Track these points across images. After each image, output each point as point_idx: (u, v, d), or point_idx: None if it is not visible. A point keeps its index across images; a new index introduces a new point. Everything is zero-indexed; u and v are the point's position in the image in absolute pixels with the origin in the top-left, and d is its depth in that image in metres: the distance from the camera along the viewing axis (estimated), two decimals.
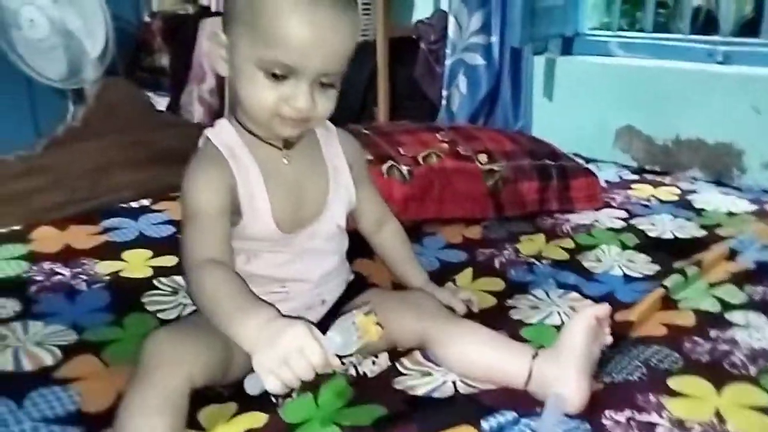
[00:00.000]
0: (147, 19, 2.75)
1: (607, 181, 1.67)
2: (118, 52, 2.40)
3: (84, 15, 2.31)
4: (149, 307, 0.99)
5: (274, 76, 0.71)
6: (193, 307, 0.83)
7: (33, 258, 1.12)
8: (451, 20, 2.03)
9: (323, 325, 0.83)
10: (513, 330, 0.94)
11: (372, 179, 0.98)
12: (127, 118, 1.33)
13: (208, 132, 0.81)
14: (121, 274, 1.08)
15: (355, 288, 0.92)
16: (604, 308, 0.80)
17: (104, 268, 1.10)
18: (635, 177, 1.75)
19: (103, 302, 1.00)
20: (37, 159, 1.25)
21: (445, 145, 1.43)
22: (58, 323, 0.94)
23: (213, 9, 2.43)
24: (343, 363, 0.74)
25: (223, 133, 0.80)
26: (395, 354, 0.87)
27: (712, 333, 0.94)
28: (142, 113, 1.35)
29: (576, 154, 1.91)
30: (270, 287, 0.81)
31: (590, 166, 1.74)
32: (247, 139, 0.79)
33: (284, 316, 0.67)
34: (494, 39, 2.05)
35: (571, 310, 1.01)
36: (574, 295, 1.07)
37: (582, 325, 0.77)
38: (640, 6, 2.25)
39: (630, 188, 1.64)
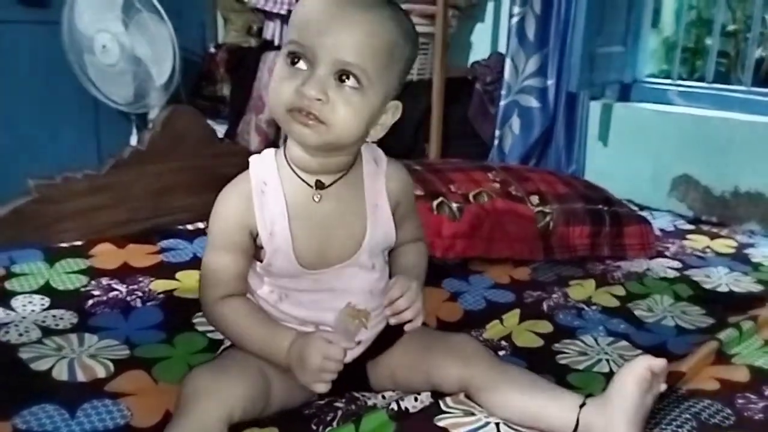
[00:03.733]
0: (212, 50, 2.85)
1: (661, 230, 1.63)
2: (182, 80, 2.51)
3: (154, 44, 2.42)
4: (199, 327, 1.01)
5: (293, 64, 0.71)
6: None
7: (92, 273, 1.16)
8: (508, 62, 2.05)
9: (358, 364, 0.85)
10: (560, 375, 0.92)
11: (417, 210, 0.95)
12: (190, 144, 1.38)
13: (251, 159, 0.81)
14: (175, 293, 1.11)
15: (396, 327, 0.87)
16: (661, 362, 0.77)
17: (158, 286, 1.13)
18: (691, 227, 1.71)
19: (155, 320, 1.03)
20: (102, 178, 1.30)
21: (497, 185, 1.43)
22: (112, 338, 0.96)
23: (276, 43, 2.51)
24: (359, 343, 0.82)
25: (262, 164, 0.80)
26: (438, 393, 0.86)
27: (767, 391, 0.91)
28: (204, 140, 1.40)
29: (630, 201, 1.88)
30: (303, 328, 0.81)
31: (645, 214, 1.72)
32: (283, 172, 0.79)
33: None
34: (550, 82, 2.06)
35: (621, 359, 0.99)
36: (624, 343, 1.04)
37: (635, 375, 0.75)
38: (700, 55, 2.23)
39: (685, 238, 1.60)
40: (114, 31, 2.40)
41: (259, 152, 0.83)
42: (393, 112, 0.79)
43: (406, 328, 0.80)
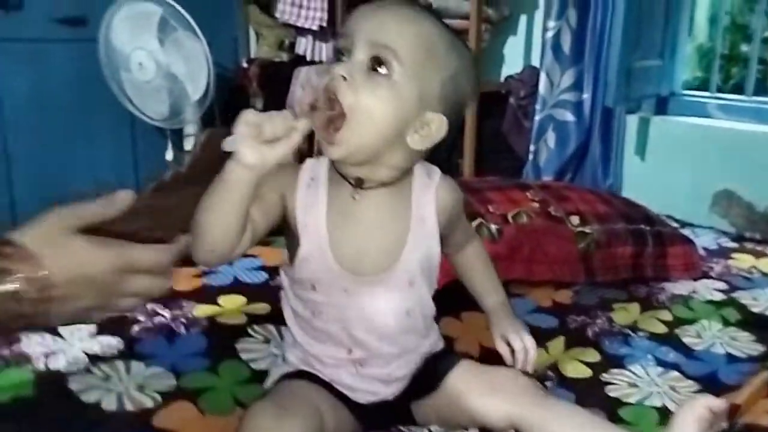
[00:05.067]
0: (244, 64, 2.88)
1: (704, 248, 1.60)
2: (215, 95, 2.53)
3: (188, 61, 2.45)
4: (243, 355, 1.01)
5: (336, 56, 0.73)
6: (283, 364, 0.85)
7: None
8: (543, 76, 2.03)
9: (400, 402, 0.84)
10: (610, 409, 0.90)
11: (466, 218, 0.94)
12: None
13: (309, 159, 0.82)
14: (218, 319, 1.11)
15: (441, 361, 0.87)
16: (721, 403, 0.75)
17: (201, 311, 1.14)
18: (734, 245, 1.67)
19: (199, 347, 1.03)
20: (144, 201, 1.31)
21: (536, 205, 1.41)
22: (158, 365, 0.97)
23: (308, 58, 2.52)
24: None
25: (316, 164, 0.81)
26: (486, 430, 0.84)
27: None
28: None
29: (669, 217, 1.85)
30: (338, 351, 0.81)
31: (686, 232, 1.69)
32: (332, 174, 0.79)
33: None
34: (586, 96, 2.03)
35: (672, 391, 0.96)
36: (675, 374, 1.02)
37: (695, 416, 0.73)
38: (735, 62, 2.17)
39: (730, 257, 1.56)
40: (150, 48, 2.43)
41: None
42: (437, 126, 0.75)
43: (521, 367, 0.86)
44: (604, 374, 1.01)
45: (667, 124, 2.02)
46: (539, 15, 2.19)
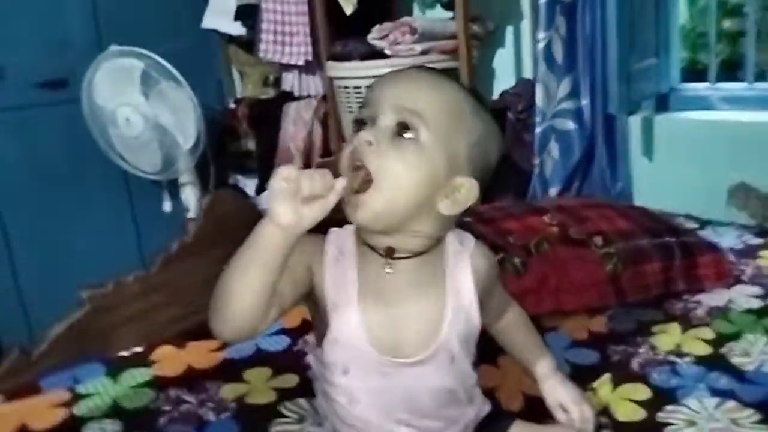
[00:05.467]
0: (231, 105, 2.84)
1: (731, 249, 1.55)
2: (207, 140, 2.49)
3: (176, 110, 2.41)
4: None
5: (357, 126, 0.71)
6: None
7: (158, 384, 1.12)
8: (539, 88, 1.99)
9: None
10: None
11: (502, 284, 0.90)
12: (235, 228, 1.33)
13: (332, 230, 0.77)
14: (246, 399, 1.06)
15: (492, 427, 0.83)
16: None
17: (228, 392, 1.08)
18: (760, 241, 1.62)
19: None
20: (153, 278, 1.27)
21: (555, 229, 1.37)
22: None
23: (296, 93, 2.49)
24: None
25: (340, 235, 0.76)
26: None
27: None
28: (249, 222, 1.35)
29: (687, 216, 1.81)
30: None
31: (708, 231, 1.65)
32: (359, 246, 0.75)
33: None
34: (585, 102, 1.99)
35: (733, 424, 0.92)
36: (732, 404, 0.96)
37: None
38: (718, 39, 2.11)
39: (758, 257, 1.51)
40: (135, 102, 2.39)
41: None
42: (468, 190, 0.71)
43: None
44: (659, 413, 0.96)
45: (670, 121, 1.98)
46: (525, 25, 2.16)
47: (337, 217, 0.70)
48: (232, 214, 1.34)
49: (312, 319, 0.80)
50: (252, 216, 1.44)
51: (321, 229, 0.69)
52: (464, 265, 0.77)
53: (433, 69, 0.76)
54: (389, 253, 0.73)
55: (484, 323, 0.81)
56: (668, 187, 1.94)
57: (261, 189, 2.68)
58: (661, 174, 1.97)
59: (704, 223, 1.75)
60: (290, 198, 0.61)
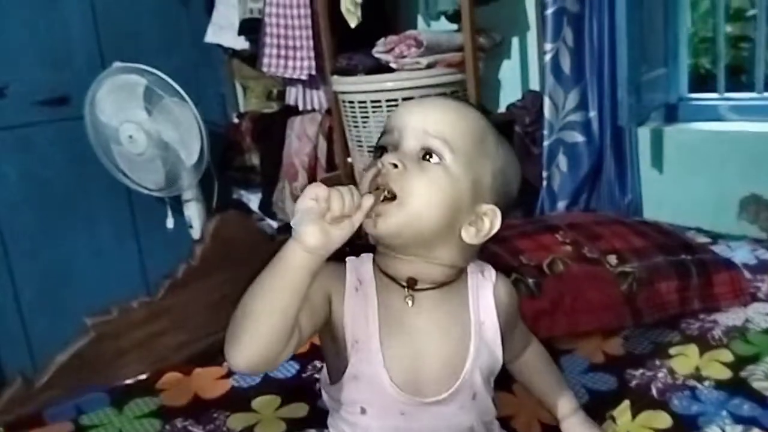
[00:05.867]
0: (235, 119, 2.82)
1: (744, 265, 1.51)
2: (210, 155, 2.47)
3: (179, 127, 2.39)
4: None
5: (379, 152, 0.70)
6: None
7: (164, 414, 1.09)
8: (547, 101, 1.96)
9: None
10: None
11: (522, 319, 0.88)
12: (241, 251, 1.31)
13: (348, 259, 0.74)
14: (255, 430, 1.03)
15: None
16: None
17: (236, 422, 1.05)
18: None
19: None
20: (159, 303, 1.24)
21: (569, 248, 1.34)
22: None
23: (300, 107, 2.47)
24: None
25: (360, 265, 0.73)
26: None
27: None
28: (255, 244, 1.34)
29: (698, 229, 1.78)
30: None
31: (721, 247, 1.61)
32: (379, 277, 0.72)
33: None
34: (593, 114, 1.97)
35: None
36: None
37: None
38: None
39: None
40: (138, 119, 2.37)
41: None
42: (492, 218, 0.70)
43: None
44: None
45: (681, 132, 1.95)
46: (531, 37, 2.13)
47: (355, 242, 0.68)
48: (238, 238, 1.32)
49: (324, 351, 0.77)
50: (259, 239, 1.42)
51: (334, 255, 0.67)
52: (487, 298, 0.75)
53: (457, 97, 0.75)
54: (411, 284, 0.71)
55: (505, 362, 0.78)
56: (678, 199, 1.91)
57: (265, 204, 2.66)
58: (670, 186, 1.94)
59: (716, 237, 1.72)
60: (319, 218, 0.58)
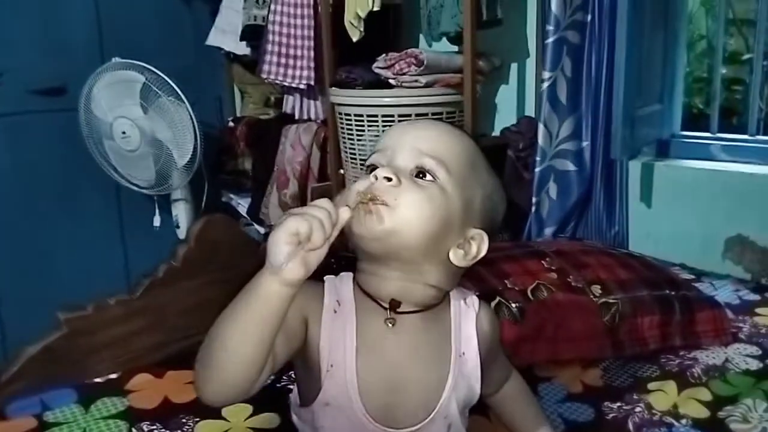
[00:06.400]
0: (230, 123, 2.81)
1: (726, 304, 1.52)
2: (203, 156, 2.46)
3: (173, 126, 2.38)
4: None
5: (369, 169, 0.68)
6: None
7: (131, 416, 1.07)
8: (541, 128, 1.97)
9: None
10: None
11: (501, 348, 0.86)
12: (225, 254, 1.30)
13: (327, 279, 0.72)
14: None
15: None
16: None
17: (205, 430, 1.03)
18: (756, 297, 1.59)
19: None
20: (136, 302, 1.22)
21: (554, 275, 1.34)
22: None
23: (296, 116, 2.46)
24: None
25: (339, 285, 0.71)
26: None
27: None
28: (240, 249, 1.32)
29: (682, 266, 1.79)
30: None
31: (704, 285, 1.62)
32: (359, 296, 0.70)
33: None
34: (585, 144, 1.98)
35: None
36: None
37: None
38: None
39: (755, 314, 1.48)
40: (133, 116, 2.36)
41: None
42: (479, 242, 0.69)
43: None
44: None
45: (671, 169, 1.96)
46: (530, 63, 2.15)
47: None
48: (223, 241, 1.30)
49: (296, 373, 0.74)
50: (244, 244, 1.41)
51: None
52: (469, 329, 0.74)
53: (450, 122, 0.75)
54: (394, 306, 0.69)
55: (482, 394, 0.77)
56: (665, 234, 1.91)
57: (254, 209, 2.64)
58: (658, 221, 1.95)
59: (699, 274, 1.72)
60: (298, 251, 0.55)
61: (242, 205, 2.77)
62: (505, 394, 0.86)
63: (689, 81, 2.59)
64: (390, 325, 0.68)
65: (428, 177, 0.66)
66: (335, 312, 0.68)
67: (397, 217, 0.64)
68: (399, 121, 1.80)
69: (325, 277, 0.72)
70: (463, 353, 0.72)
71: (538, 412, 0.90)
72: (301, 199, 2.39)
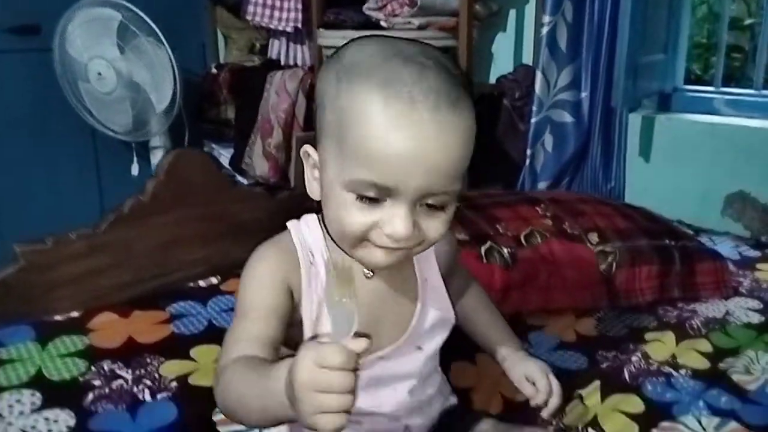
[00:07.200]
0: (213, 70, 2.69)
1: (727, 259, 1.45)
2: (183, 103, 2.34)
3: (152, 69, 2.26)
4: (221, 429, 0.83)
5: (367, 199, 0.57)
6: None
7: (92, 355, 0.99)
8: (539, 76, 1.87)
9: None
10: None
11: (462, 262, 0.85)
12: (198, 191, 1.21)
13: (291, 225, 0.67)
14: (190, 379, 0.94)
15: (457, 417, 0.76)
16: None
17: (170, 370, 0.96)
18: (757, 254, 1.53)
19: (168, 418, 0.85)
20: (100, 237, 1.13)
21: (548, 222, 1.26)
22: None
23: (282, 62, 2.35)
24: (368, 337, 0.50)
25: (306, 232, 0.67)
26: None
27: None
28: (214, 186, 1.23)
29: (680, 222, 1.72)
30: None
31: (704, 239, 1.55)
32: (331, 244, 0.66)
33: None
34: (584, 95, 1.89)
35: None
36: (734, 425, 0.86)
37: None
38: (713, 51, 2.03)
39: (756, 269, 1.42)
40: (109, 57, 2.24)
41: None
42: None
43: (545, 414, 0.75)
44: (653, 429, 0.85)
45: (672, 122, 1.88)
46: (530, 9, 2.04)
47: None
48: (196, 177, 1.20)
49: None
50: (218, 181, 1.32)
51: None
52: (430, 258, 0.73)
53: (454, 118, 0.57)
54: None
55: None
56: (662, 190, 1.84)
57: (237, 159, 2.54)
58: (656, 176, 1.88)
59: (697, 231, 1.65)
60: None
61: (224, 155, 2.66)
62: (467, 303, 0.83)
63: (690, 45, 2.49)
64: (368, 277, 0.67)
65: (439, 203, 0.59)
66: (311, 264, 0.65)
67: (419, 249, 0.62)
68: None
69: (288, 225, 0.68)
70: (427, 279, 0.72)
71: (501, 321, 0.85)
72: (286, 149, 2.30)
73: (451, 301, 0.74)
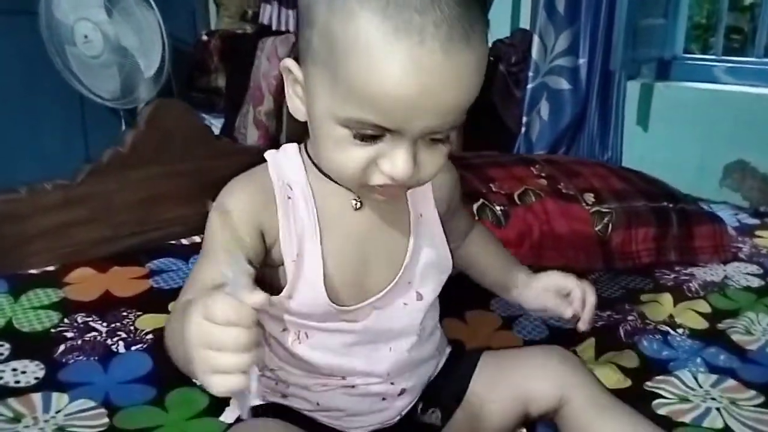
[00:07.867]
0: (204, 37, 2.63)
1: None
2: (173, 71, 2.29)
3: (141, 33, 2.20)
4: (197, 380, 0.79)
5: (365, 138, 0.51)
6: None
7: (66, 307, 0.95)
8: (536, 40, 1.83)
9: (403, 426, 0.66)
10: (662, 429, 0.72)
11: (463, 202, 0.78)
12: (180, 144, 1.16)
13: (269, 156, 0.61)
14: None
15: (454, 361, 0.71)
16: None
17: (146, 323, 0.92)
18: (756, 221, 1.50)
19: (142, 370, 0.82)
20: (77, 188, 1.09)
21: (543, 181, 1.22)
22: (87, 397, 0.76)
23: (273, 28, 2.29)
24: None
25: (285, 163, 0.60)
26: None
27: None
28: (197, 139, 1.18)
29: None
30: (327, 379, 0.62)
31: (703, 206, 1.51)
32: (313, 175, 0.59)
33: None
34: (582, 61, 1.84)
35: (733, 406, 0.78)
36: (732, 383, 0.83)
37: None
38: (713, 31, 1.99)
39: (755, 236, 1.39)
40: (96, 19, 2.17)
41: (262, 148, 0.61)
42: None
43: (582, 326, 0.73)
44: (647, 383, 0.82)
45: (672, 90, 1.83)
46: None
47: None
48: (178, 128, 1.16)
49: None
50: (201, 134, 1.27)
51: None
52: (425, 190, 0.65)
53: (467, 48, 0.49)
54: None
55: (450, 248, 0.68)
56: (660, 159, 1.80)
57: (228, 129, 2.49)
58: (654, 145, 1.84)
59: (695, 200, 1.61)
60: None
61: (215, 125, 2.60)
62: (470, 242, 0.77)
63: (689, 26, 2.45)
64: (356, 205, 0.60)
65: (441, 136, 0.53)
66: (289, 198, 0.59)
67: (418, 184, 0.57)
68: None
69: (266, 155, 0.61)
70: (421, 214, 0.65)
71: (510, 256, 0.80)
72: (277, 117, 2.25)
73: (449, 245, 0.68)
